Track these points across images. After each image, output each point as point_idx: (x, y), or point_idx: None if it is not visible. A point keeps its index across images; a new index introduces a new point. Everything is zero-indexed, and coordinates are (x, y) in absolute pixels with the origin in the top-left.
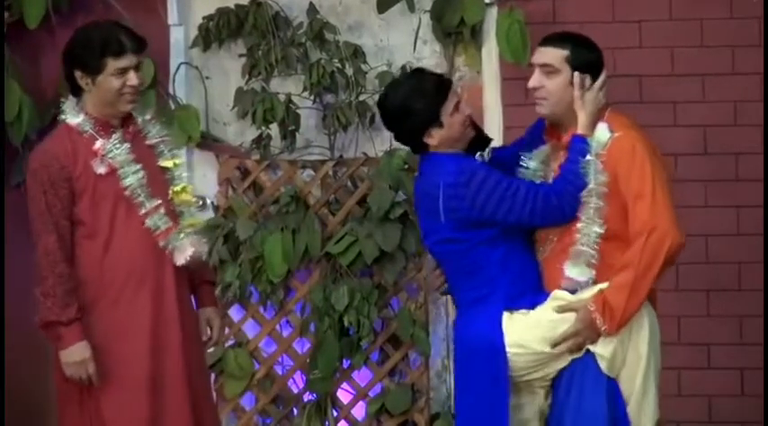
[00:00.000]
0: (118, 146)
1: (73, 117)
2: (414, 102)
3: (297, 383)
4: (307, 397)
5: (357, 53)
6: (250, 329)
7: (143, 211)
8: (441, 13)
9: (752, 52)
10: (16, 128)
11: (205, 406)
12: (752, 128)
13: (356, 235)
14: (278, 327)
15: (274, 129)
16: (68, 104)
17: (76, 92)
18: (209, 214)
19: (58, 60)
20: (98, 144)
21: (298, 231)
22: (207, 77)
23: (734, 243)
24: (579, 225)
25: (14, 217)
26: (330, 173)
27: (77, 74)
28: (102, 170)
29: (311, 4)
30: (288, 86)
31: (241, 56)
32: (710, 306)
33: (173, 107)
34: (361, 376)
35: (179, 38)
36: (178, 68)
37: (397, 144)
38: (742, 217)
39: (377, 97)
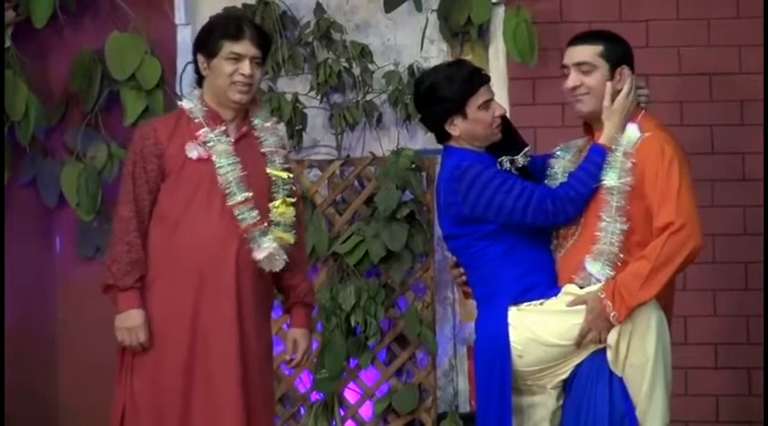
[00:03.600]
0: (220, 138)
1: (188, 101)
2: (442, 87)
3: (304, 382)
4: (314, 397)
5: (364, 52)
6: None
7: (232, 202)
8: (448, 12)
9: (759, 51)
10: (23, 128)
11: (260, 417)
12: (759, 127)
13: (363, 235)
14: (284, 327)
15: (281, 129)
16: (194, 92)
17: (200, 82)
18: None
19: (65, 59)
20: (201, 131)
21: (305, 230)
22: None
23: (741, 242)
24: (601, 223)
25: (23, 215)
26: (337, 172)
27: (199, 58)
28: (193, 154)
29: (318, 3)
30: (295, 86)
31: None
32: (717, 305)
33: None
34: (368, 375)
35: (186, 37)
36: (185, 68)
37: (404, 143)
38: (748, 217)
39: (384, 97)
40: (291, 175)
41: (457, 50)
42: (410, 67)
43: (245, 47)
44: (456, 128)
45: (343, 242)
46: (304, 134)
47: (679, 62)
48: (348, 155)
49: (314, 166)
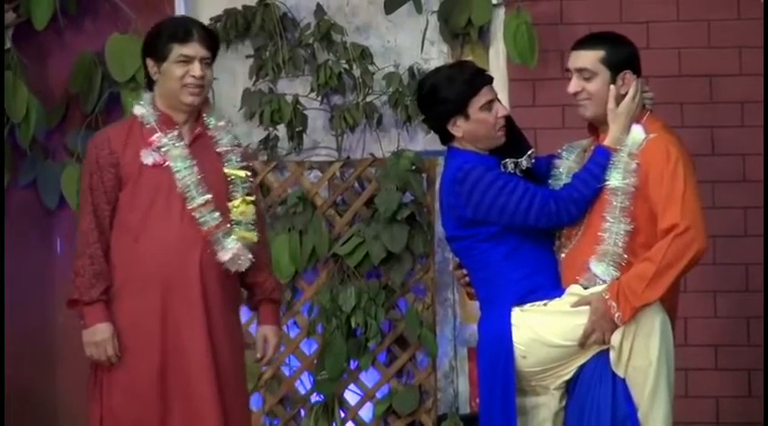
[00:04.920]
0: (174, 142)
1: (140, 107)
2: (444, 88)
3: (304, 384)
4: (314, 398)
5: (364, 54)
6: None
7: (192, 205)
8: (448, 13)
9: (759, 53)
10: (24, 130)
11: (237, 417)
12: (759, 129)
13: (363, 237)
14: (285, 328)
15: (281, 130)
16: (145, 97)
17: (151, 85)
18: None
19: (65, 61)
20: (154, 136)
21: (305, 232)
22: (214, 78)
23: (741, 244)
24: (605, 224)
25: (22, 217)
26: (337, 174)
27: (149, 63)
28: (149, 160)
29: (318, 5)
30: (295, 87)
31: (248, 57)
32: (718, 307)
33: None
34: (369, 377)
35: None
36: None
37: (404, 145)
38: (749, 218)
39: (384, 98)
40: (249, 173)
41: (457, 52)
42: (410, 69)
43: (194, 49)
44: (459, 128)
45: (344, 243)
46: (304, 135)
47: (679, 63)
48: (348, 157)
49: (314, 168)
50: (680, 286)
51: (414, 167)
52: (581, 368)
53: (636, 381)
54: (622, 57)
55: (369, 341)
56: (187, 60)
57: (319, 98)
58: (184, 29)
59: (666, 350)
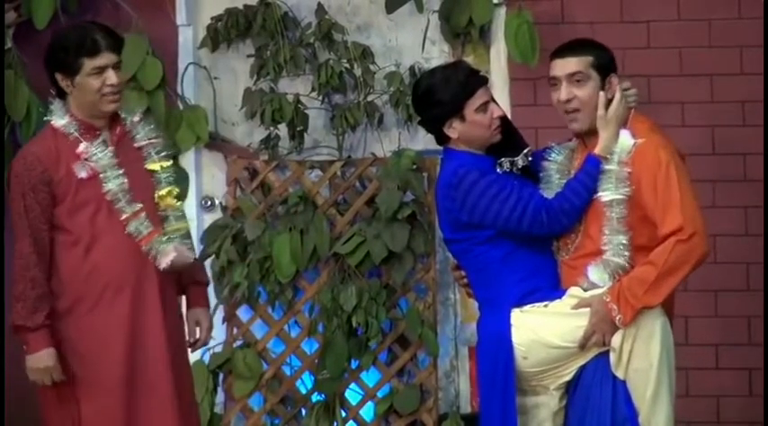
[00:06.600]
0: (101, 149)
1: (59, 118)
2: (439, 90)
3: (305, 383)
4: (315, 398)
5: (365, 53)
6: (258, 329)
7: (124, 216)
8: (449, 13)
9: (760, 52)
10: (25, 129)
11: (189, 411)
12: (760, 128)
13: (364, 236)
14: (286, 327)
15: (283, 130)
16: (56, 105)
17: (62, 94)
18: (217, 215)
19: None
20: (81, 147)
21: (306, 231)
22: (215, 78)
23: (742, 243)
24: (605, 237)
25: None
26: (338, 173)
27: (58, 76)
28: (83, 174)
29: (320, 4)
30: (296, 87)
31: (249, 56)
32: (718, 306)
33: (181, 107)
34: (370, 376)
35: (187, 38)
36: (186, 69)
37: (405, 144)
38: (750, 218)
39: (385, 97)
40: (166, 164)
41: (458, 51)
42: (411, 68)
43: (105, 58)
44: (454, 130)
45: (345, 242)
46: (305, 135)
47: (680, 63)
48: (349, 156)
49: (315, 167)
50: (678, 286)
51: (415, 166)
52: (581, 368)
53: (636, 384)
54: (608, 61)
55: (370, 341)
56: (101, 71)
57: (320, 97)
58: (92, 40)
59: (667, 352)
